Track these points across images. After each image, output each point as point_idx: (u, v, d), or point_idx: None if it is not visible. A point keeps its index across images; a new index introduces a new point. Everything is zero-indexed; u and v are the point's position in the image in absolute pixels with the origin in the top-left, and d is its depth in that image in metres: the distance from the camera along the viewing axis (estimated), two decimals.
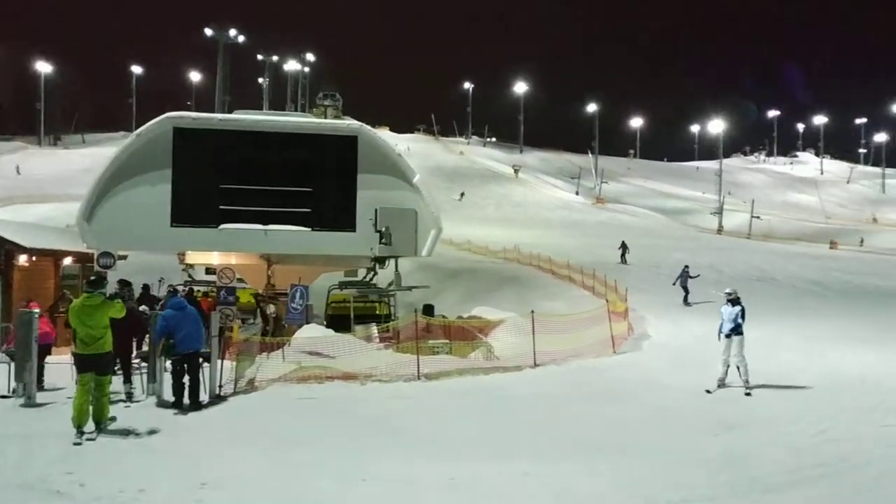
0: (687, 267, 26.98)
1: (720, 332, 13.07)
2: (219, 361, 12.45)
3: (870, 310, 24.99)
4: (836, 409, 11.09)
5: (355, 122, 23.43)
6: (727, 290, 13.71)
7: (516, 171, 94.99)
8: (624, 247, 38.42)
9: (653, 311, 22.40)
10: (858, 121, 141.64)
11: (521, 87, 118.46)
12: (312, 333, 17.03)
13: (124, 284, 15.64)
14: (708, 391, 12.57)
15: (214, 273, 21.23)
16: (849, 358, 15.78)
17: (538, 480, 7.74)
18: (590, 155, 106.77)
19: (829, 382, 13.21)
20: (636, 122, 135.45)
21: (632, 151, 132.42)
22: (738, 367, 12.63)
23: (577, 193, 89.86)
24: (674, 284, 26.11)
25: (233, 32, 78.10)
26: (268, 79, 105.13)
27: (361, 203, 20.27)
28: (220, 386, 12.28)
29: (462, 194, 74.45)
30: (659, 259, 38.38)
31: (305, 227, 19.95)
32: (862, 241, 60.21)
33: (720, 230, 69.27)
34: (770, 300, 26.92)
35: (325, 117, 79.95)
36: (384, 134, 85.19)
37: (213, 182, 19.82)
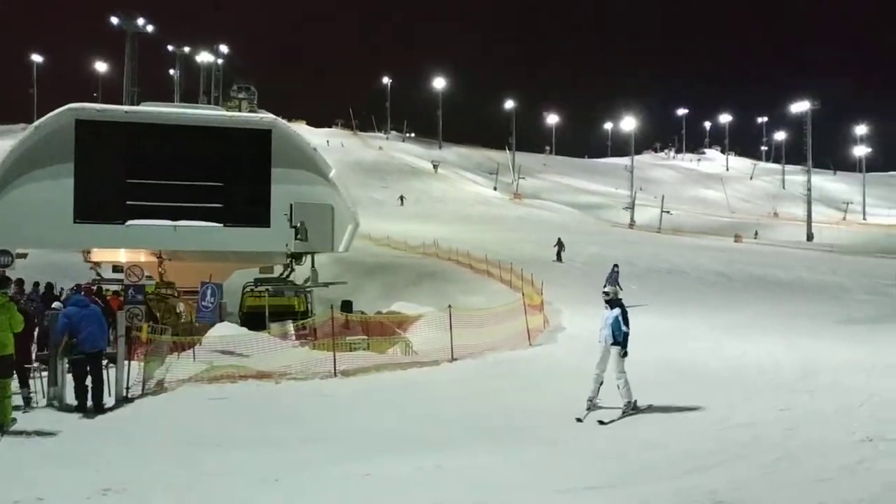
0: (616, 267, 24.37)
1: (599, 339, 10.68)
2: (126, 362, 11.99)
3: (772, 300, 26.23)
4: (739, 397, 11.54)
5: (269, 115, 23.00)
6: (604, 289, 11.31)
7: (435, 167, 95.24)
8: (560, 244, 37.33)
9: (568, 303, 22.84)
10: (760, 120, 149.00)
11: (439, 83, 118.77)
12: (225, 332, 16.62)
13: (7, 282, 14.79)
14: (578, 419, 10.17)
15: (122, 271, 20.42)
16: (752, 347, 16.47)
17: (453, 473, 7.77)
18: (507, 151, 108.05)
19: (733, 370, 13.75)
20: (552, 119, 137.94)
21: (548, 148, 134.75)
22: (617, 387, 10.34)
23: (495, 189, 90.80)
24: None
25: (141, 21, 75.17)
26: (179, 70, 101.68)
27: (276, 198, 19.89)
28: (128, 388, 11.84)
29: (402, 198, 71.91)
30: (574, 253, 39.20)
31: (217, 222, 19.45)
32: (756, 233, 63.02)
33: (632, 224, 71.35)
34: (678, 292, 27.95)
35: (240, 111, 78.27)
36: (301, 128, 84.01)
37: (119, 177, 19.07)
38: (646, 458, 8.24)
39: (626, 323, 10.50)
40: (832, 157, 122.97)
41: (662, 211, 71.87)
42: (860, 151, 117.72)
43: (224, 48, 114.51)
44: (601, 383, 10.55)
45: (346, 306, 22.58)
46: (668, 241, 54.05)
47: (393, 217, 62.74)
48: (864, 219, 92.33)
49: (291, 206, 19.82)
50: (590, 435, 9.47)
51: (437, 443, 9.13)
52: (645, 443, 8.95)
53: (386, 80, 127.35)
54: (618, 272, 23.93)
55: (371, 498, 7.02)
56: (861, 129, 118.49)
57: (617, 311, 10.53)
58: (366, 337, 18.24)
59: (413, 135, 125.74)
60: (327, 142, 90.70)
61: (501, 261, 30.27)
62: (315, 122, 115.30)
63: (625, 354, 10.43)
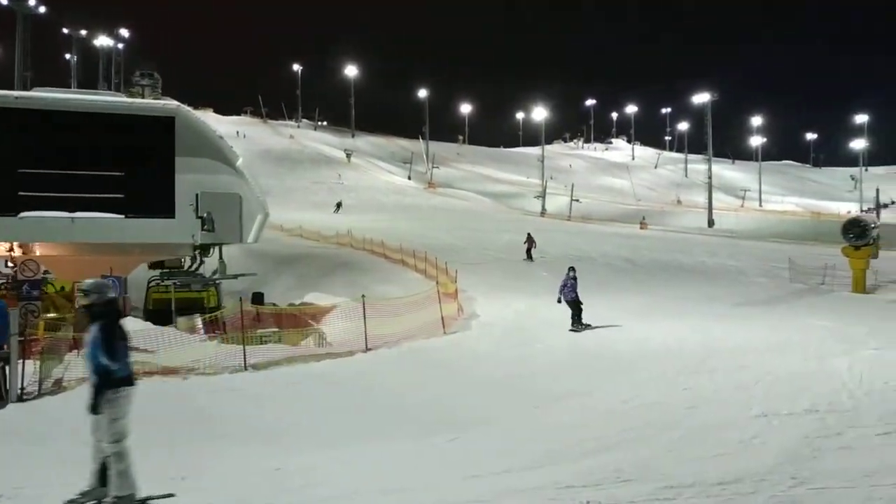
0: (572, 270, 18.04)
1: None
2: (20, 362, 11.36)
3: (675, 284, 27.24)
4: (645, 377, 11.97)
5: (173, 101, 22.15)
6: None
7: (348, 156, 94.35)
8: (530, 240, 34.31)
9: (482, 291, 23.09)
10: (664, 111, 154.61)
11: (351, 71, 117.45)
12: (129, 328, 15.93)
13: None
14: None
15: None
16: (657, 329, 17.09)
17: (366, 463, 7.74)
18: (421, 140, 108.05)
19: (639, 352, 14.23)
20: (465, 109, 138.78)
21: (461, 137, 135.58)
22: (103, 465, 6.44)
23: (409, 178, 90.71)
24: (559, 301, 17.41)
25: (32, 2, 71.07)
26: (76, 55, 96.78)
27: (180, 188, 19.22)
28: (22, 388, 11.22)
29: (339, 205, 64.09)
30: (488, 241, 39.65)
31: (118, 213, 18.63)
32: (643, 219, 65.35)
33: (543, 213, 72.68)
34: (587, 277, 28.56)
35: (143, 97, 75.24)
36: (207, 116, 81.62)
37: (10, 166, 18.00)
38: (556, 439, 8.42)
39: (111, 351, 6.28)
40: (731, 147, 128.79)
41: (572, 199, 73.47)
42: (756, 141, 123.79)
43: (125, 32, 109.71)
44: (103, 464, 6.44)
45: (257, 298, 22.11)
46: (578, 229, 55.34)
47: (305, 207, 61.82)
48: (761, 205, 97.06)
49: (197, 195, 19.21)
50: (503, 420, 9.61)
51: (350, 433, 9.08)
52: (556, 425, 9.16)
53: (296, 67, 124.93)
54: (575, 277, 17.79)
55: (282, 492, 6.90)
56: (757, 121, 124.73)
57: (96, 329, 6.36)
58: (277, 329, 17.92)
59: (325, 123, 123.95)
60: (237, 132, 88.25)
61: (416, 250, 30.30)
62: (223, 110, 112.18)
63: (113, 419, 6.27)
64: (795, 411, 9.29)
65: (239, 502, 6.64)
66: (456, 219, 52.09)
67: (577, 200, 73.94)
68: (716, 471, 6.90)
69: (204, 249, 20.82)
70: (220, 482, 7.22)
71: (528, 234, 35.28)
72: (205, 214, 19.22)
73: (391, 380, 12.51)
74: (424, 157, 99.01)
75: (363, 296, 16.64)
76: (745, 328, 17.10)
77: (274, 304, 21.01)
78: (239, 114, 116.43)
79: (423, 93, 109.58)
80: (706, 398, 10.29)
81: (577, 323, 17.11)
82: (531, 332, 16.54)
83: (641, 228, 60.04)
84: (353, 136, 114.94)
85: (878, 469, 6.93)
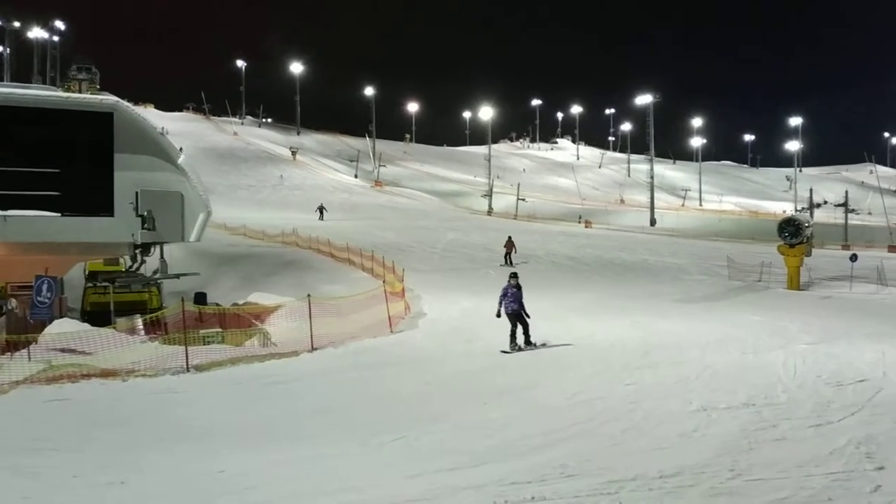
0: (514, 277, 15.08)
1: None
2: None
3: (618, 282, 27.74)
4: (589, 373, 12.15)
5: (112, 97, 21.51)
6: None
7: (294, 154, 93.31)
8: (510, 244, 32.71)
9: (428, 290, 23.11)
10: (608, 111, 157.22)
11: (297, 68, 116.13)
12: (65, 329, 15.46)
13: None
14: None
15: None
16: (600, 326, 17.36)
17: (310, 464, 7.67)
18: (367, 138, 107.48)
19: (583, 348, 14.44)
20: (412, 108, 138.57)
21: (408, 136, 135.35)
22: None
23: (356, 176, 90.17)
24: (499, 315, 14.70)
25: None
26: (8, 48, 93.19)
27: (120, 185, 18.69)
28: None
29: (321, 209, 54.85)
30: (434, 240, 39.71)
31: (54, 212, 18.03)
32: (580, 217, 66.59)
33: (490, 212, 73.12)
34: (533, 275, 28.92)
35: (80, 92, 72.85)
36: (148, 112, 79.66)
37: None
38: (501, 437, 8.48)
39: None
40: (672, 148, 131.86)
41: (518, 198, 74.11)
42: (696, 142, 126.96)
43: (61, 25, 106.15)
44: None
45: (200, 298, 21.65)
46: (524, 228, 55.82)
47: (249, 205, 60.93)
48: (701, 205, 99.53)
49: (137, 193, 18.71)
50: (448, 417, 9.63)
51: (294, 434, 8.98)
52: (501, 422, 9.22)
53: (240, 63, 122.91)
54: (518, 284, 14.95)
55: (225, 494, 6.79)
56: (697, 122, 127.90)
57: None
58: (221, 329, 17.59)
59: (270, 120, 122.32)
60: (161, 128, 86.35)
61: (363, 248, 30.15)
62: (164, 106, 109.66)
63: None
64: (733, 405, 9.57)
65: None
66: (403, 217, 51.98)
67: (524, 199, 74.65)
68: (657, 464, 7.06)
69: (144, 248, 20.30)
70: (161, 486, 7.06)
71: (509, 238, 33.49)
72: (145, 213, 18.75)
73: (337, 379, 12.42)
74: (371, 155, 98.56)
75: (309, 295, 16.48)
76: (685, 324, 17.51)
77: (217, 304, 20.61)
78: (181, 110, 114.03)
79: (369, 91, 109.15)
80: (648, 393, 10.50)
81: (519, 341, 14.37)
82: (477, 329, 16.62)
83: (586, 227, 60.91)
84: (298, 133, 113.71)
85: (811, 459, 7.19)
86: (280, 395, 11.37)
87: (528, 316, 14.73)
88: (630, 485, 6.51)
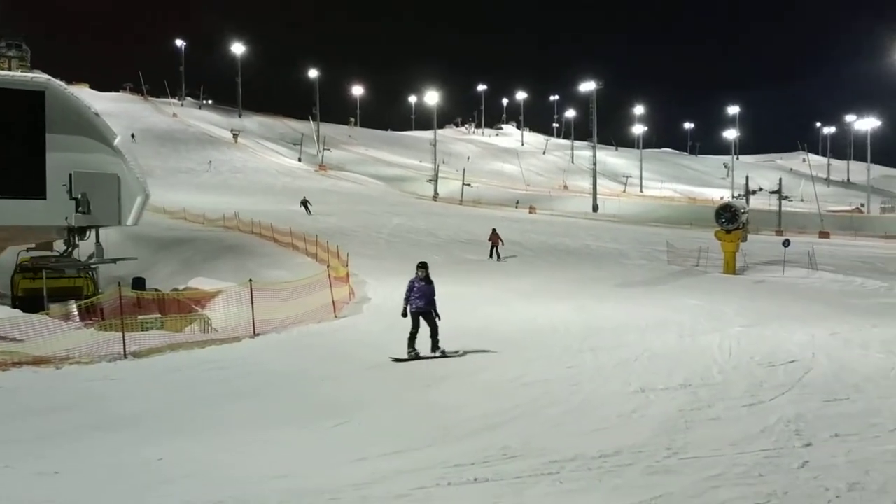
0: (423, 269, 12.64)
1: None
2: None
3: (562, 266, 28.12)
4: (531, 356, 12.29)
5: (43, 75, 20.73)
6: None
7: (235, 136, 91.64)
8: (496, 237, 30.11)
9: (373, 275, 23.04)
10: (552, 98, 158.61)
11: (238, 49, 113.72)
12: None
13: None
14: None
15: None
16: (543, 309, 17.58)
17: (253, 450, 7.58)
18: (311, 122, 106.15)
19: (526, 332, 14.60)
20: (357, 91, 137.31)
21: (353, 119, 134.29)
22: None
23: (299, 160, 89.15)
24: (404, 315, 12.47)
25: None
26: None
27: (52, 167, 18.10)
28: None
29: (305, 203, 47.47)
30: (379, 225, 39.56)
31: None
32: (517, 202, 67.42)
33: (436, 197, 73.19)
34: (477, 261, 29.13)
35: (10, 70, 69.91)
36: (82, 92, 76.90)
37: None
38: (445, 419, 8.53)
39: None
40: (615, 135, 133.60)
41: (464, 183, 74.34)
42: (638, 130, 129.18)
43: None
44: None
45: (138, 284, 21.17)
46: (469, 213, 56.06)
47: (190, 189, 59.63)
48: (642, 191, 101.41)
49: (71, 175, 18.14)
50: (392, 402, 9.64)
51: (236, 421, 8.86)
52: (444, 405, 9.28)
53: (179, 42, 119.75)
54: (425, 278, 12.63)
55: (164, 483, 6.66)
56: (639, 110, 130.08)
57: None
58: (160, 315, 17.24)
59: (210, 102, 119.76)
60: (95, 114, 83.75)
61: (306, 233, 29.85)
62: (100, 86, 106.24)
63: None
64: (671, 386, 9.82)
65: (119, 496, 6.36)
66: (348, 202, 51.61)
67: (469, 185, 74.94)
68: (597, 444, 7.20)
69: (79, 232, 19.72)
70: (97, 475, 6.89)
71: (494, 230, 30.50)
72: (79, 195, 18.20)
73: (279, 365, 12.28)
74: (315, 138, 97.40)
75: (251, 280, 16.25)
76: (626, 308, 17.87)
77: (156, 290, 20.17)
78: (118, 90, 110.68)
79: (313, 73, 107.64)
80: (589, 375, 10.69)
81: (421, 347, 12.19)
82: None
83: (530, 212, 61.49)
84: (240, 115, 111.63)
85: (743, 438, 7.43)
86: (221, 381, 11.19)
87: (437, 316, 12.39)
88: (570, 465, 6.62)
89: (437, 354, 12.28)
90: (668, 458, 6.81)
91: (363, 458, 7.08)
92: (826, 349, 12.25)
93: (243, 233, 35.77)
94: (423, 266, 12.70)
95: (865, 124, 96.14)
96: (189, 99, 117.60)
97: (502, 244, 30.18)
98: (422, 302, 12.30)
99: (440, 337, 12.41)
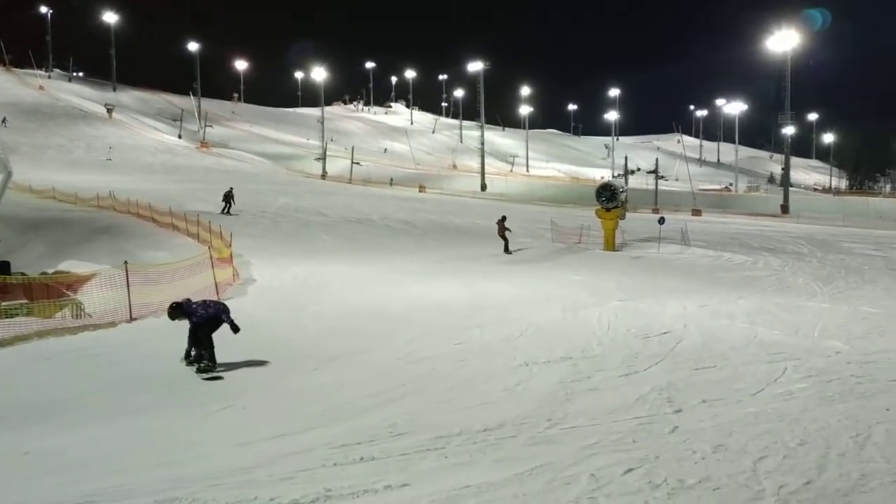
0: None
1: None
2: None
3: (451, 244, 28.36)
4: (420, 333, 12.39)
5: None
6: None
7: (110, 111, 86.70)
8: (502, 226, 26.02)
9: (258, 255, 22.50)
10: (441, 77, 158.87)
11: (111, 18, 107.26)
12: None
13: None
14: None
15: None
16: (432, 287, 17.73)
17: (133, 439, 7.30)
18: (192, 97, 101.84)
19: (415, 310, 14.69)
20: (241, 65, 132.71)
21: (236, 95, 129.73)
22: None
23: (179, 137, 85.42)
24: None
25: None
26: None
27: None
28: None
29: (228, 198, 36.75)
30: (265, 204, 38.60)
31: None
32: (391, 180, 68.00)
33: (324, 175, 72.08)
34: (367, 239, 28.99)
35: None
36: None
37: None
38: (332, 401, 8.48)
39: None
40: (502, 115, 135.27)
41: (353, 162, 73.55)
42: (524, 111, 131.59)
43: None
44: None
45: (3, 267, 19.83)
46: (359, 192, 55.59)
47: (60, 167, 56.11)
48: (528, 171, 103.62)
49: None
50: (278, 385, 9.48)
51: (112, 409, 8.48)
52: (332, 386, 9.22)
53: (44, 9, 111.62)
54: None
55: (32, 477, 6.29)
56: (525, 91, 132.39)
57: None
58: (27, 301, 16.21)
59: (81, 74, 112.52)
60: None
61: (188, 213, 28.73)
62: None
63: None
64: (553, 359, 10.16)
65: None
66: (231, 180, 49.65)
67: (358, 163, 74.19)
68: (482, 418, 7.37)
69: None
70: None
71: (503, 217, 26.49)
72: None
73: (158, 350, 11.79)
74: (196, 114, 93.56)
75: (126, 262, 15.50)
76: (511, 285, 18.29)
77: (23, 274, 18.95)
78: None
79: (193, 46, 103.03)
80: (475, 351, 10.90)
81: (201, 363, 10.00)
82: (308, 295, 16.44)
83: (420, 191, 61.65)
84: (114, 89, 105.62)
85: (619, 406, 7.80)
86: (96, 368, 10.66)
87: (208, 346, 10.21)
88: (456, 440, 6.74)
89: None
90: (550, 429, 7.05)
91: (245, 443, 6.95)
92: (696, 320, 13.01)
93: (119, 213, 33.97)
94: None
95: (734, 108, 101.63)
96: (57, 71, 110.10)
97: (510, 232, 26.04)
98: (201, 313, 10.46)
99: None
